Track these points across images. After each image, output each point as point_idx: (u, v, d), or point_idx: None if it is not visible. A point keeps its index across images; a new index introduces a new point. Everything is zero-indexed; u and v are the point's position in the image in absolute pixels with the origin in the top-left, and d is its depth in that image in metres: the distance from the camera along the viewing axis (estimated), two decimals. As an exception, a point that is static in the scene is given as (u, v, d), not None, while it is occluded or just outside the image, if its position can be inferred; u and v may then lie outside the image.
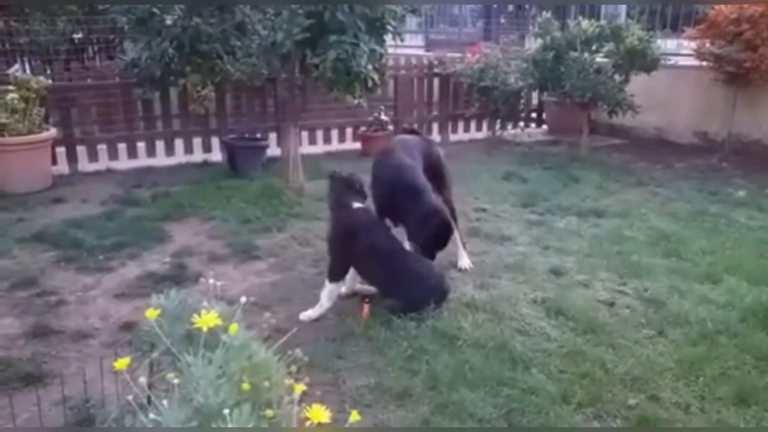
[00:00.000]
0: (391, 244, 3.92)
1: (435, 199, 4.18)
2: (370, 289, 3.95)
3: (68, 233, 5.07)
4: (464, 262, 4.54)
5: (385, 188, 4.14)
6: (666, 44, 8.48)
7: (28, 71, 7.60)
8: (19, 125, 6.20)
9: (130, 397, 1.71)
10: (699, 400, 3.03)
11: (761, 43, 7.05)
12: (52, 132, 6.67)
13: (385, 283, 3.85)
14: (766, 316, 3.72)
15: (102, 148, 7.38)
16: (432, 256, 4.08)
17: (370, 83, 5.71)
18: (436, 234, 4.03)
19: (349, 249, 3.82)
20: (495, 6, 13.09)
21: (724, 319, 3.72)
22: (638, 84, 7.77)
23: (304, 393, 1.75)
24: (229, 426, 1.55)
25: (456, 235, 4.42)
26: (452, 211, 4.50)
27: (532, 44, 8.90)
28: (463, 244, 4.61)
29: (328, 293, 3.81)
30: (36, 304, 3.95)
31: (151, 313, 1.83)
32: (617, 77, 7.67)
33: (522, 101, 9.34)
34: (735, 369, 3.25)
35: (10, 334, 3.57)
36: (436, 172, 4.38)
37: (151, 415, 1.62)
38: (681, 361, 3.32)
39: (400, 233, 4.15)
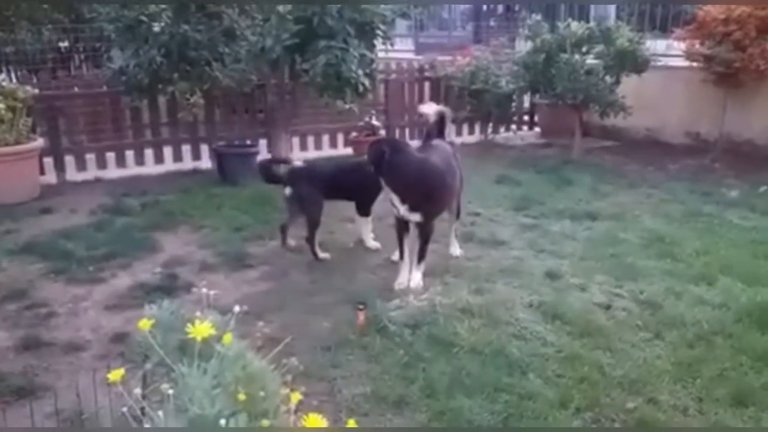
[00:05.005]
0: None
1: None
2: None
3: (57, 244, 5.01)
4: (455, 249, 4.84)
5: None
6: (656, 45, 8.50)
7: (14, 81, 7.52)
8: (6, 135, 6.14)
9: (124, 409, 1.68)
10: (697, 401, 3.02)
11: (750, 43, 7.09)
12: (40, 142, 6.61)
13: None
14: (761, 317, 3.72)
15: (90, 157, 7.33)
16: None
17: (360, 88, 5.72)
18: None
19: None
20: (484, 9, 13.14)
21: (719, 320, 3.72)
22: (629, 85, 7.81)
23: (300, 402, 1.73)
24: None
25: (452, 226, 4.86)
26: (459, 207, 4.89)
27: (523, 47, 8.91)
28: (456, 235, 4.89)
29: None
30: (26, 316, 3.90)
31: (145, 324, 1.81)
32: (608, 79, 7.70)
33: (513, 104, 9.37)
34: (732, 370, 3.25)
35: (0, 348, 3.52)
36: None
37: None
38: (678, 363, 3.31)
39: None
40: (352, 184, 4.86)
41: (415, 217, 4.22)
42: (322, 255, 4.78)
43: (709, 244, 4.95)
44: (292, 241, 4.98)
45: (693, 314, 3.79)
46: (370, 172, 4.22)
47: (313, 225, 4.78)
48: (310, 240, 4.78)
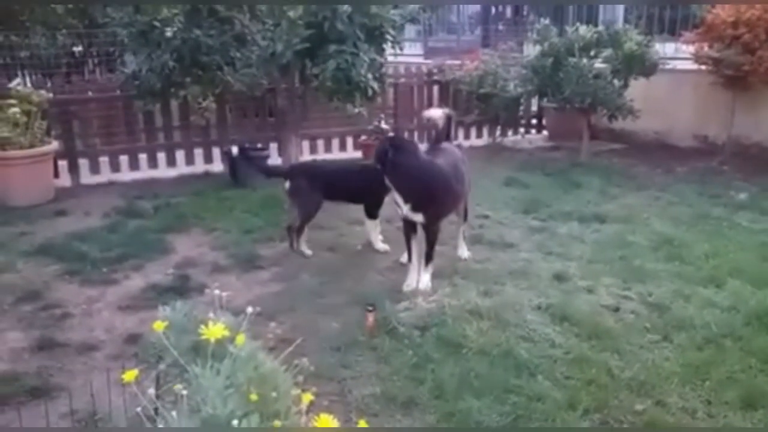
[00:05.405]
0: None
1: None
2: None
3: (72, 246, 5.07)
4: (463, 252, 4.86)
5: None
6: (664, 48, 8.49)
7: (29, 85, 7.61)
8: (21, 139, 6.22)
9: (138, 409, 1.71)
10: (706, 404, 3.02)
11: (759, 46, 7.05)
12: (54, 145, 6.69)
13: None
14: (770, 319, 3.71)
15: (104, 160, 7.41)
16: None
17: (370, 92, 5.74)
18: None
19: None
20: (493, 13, 13.14)
21: (728, 323, 3.72)
22: (637, 88, 7.79)
23: (311, 403, 1.75)
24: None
25: (461, 228, 4.87)
26: (466, 210, 4.91)
27: (531, 51, 8.92)
28: (464, 237, 4.91)
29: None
30: (41, 317, 3.95)
31: (159, 325, 1.83)
32: (616, 82, 7.68)
33: (522, 108, 9.38)
34: (741, 373, 3.25)
35: (15, 348, 3.58)
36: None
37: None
38: (687, 365, 3.31)
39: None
40: (356, 186, 4.92)
41: (418, 218, 4.23)
42: (307, 252, 4.88)
43: (718, 246, 4.93)
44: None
45: (702, 317, 3.79)
46: (374, 176, 4.25)
47: (304, 217, 4.88)
48: (299, 230, 4.89)
